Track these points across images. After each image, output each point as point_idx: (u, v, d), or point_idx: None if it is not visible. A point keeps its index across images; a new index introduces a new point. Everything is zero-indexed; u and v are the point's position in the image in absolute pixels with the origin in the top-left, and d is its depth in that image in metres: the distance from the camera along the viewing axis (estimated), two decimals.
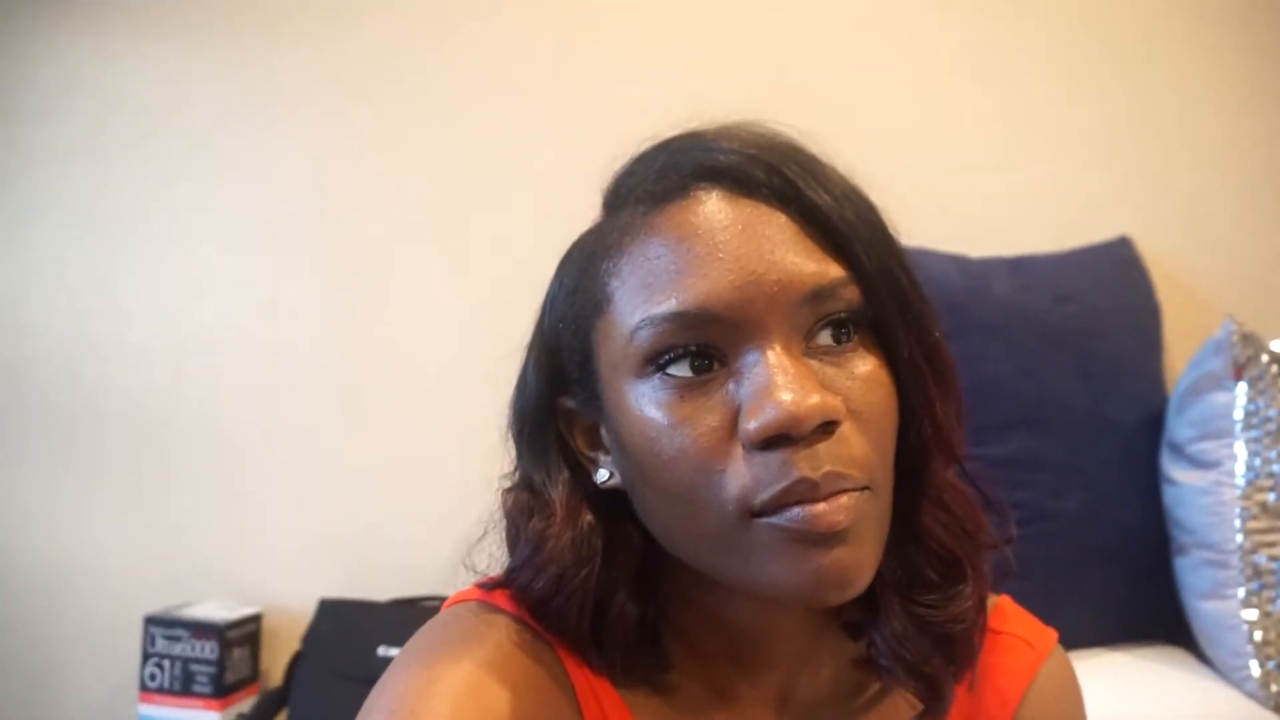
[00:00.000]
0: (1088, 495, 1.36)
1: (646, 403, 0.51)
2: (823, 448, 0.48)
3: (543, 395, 0.59)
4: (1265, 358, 1.28)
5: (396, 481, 1.70)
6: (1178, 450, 1.35)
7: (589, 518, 0.57)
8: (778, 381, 0.48)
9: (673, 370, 0.51)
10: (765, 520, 0.49)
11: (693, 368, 0.50)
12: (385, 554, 1.67)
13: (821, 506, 0.48)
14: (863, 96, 1.70)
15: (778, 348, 0.49)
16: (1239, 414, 1.28)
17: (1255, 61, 1.69)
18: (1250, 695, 1.23)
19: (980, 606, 0.58)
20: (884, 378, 0.52)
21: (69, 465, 1.75)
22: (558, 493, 0.57)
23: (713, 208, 0.51)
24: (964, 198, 1.66)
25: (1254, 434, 1.28)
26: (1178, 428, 1.35)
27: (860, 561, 0.49)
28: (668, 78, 1.68)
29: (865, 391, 0.51)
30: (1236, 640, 1.26)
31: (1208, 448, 1.30)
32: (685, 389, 0.50)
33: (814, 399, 0.47)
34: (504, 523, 0.59)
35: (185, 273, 1.77)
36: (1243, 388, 1.28)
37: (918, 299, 0.54)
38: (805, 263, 0.50)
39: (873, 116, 1.66)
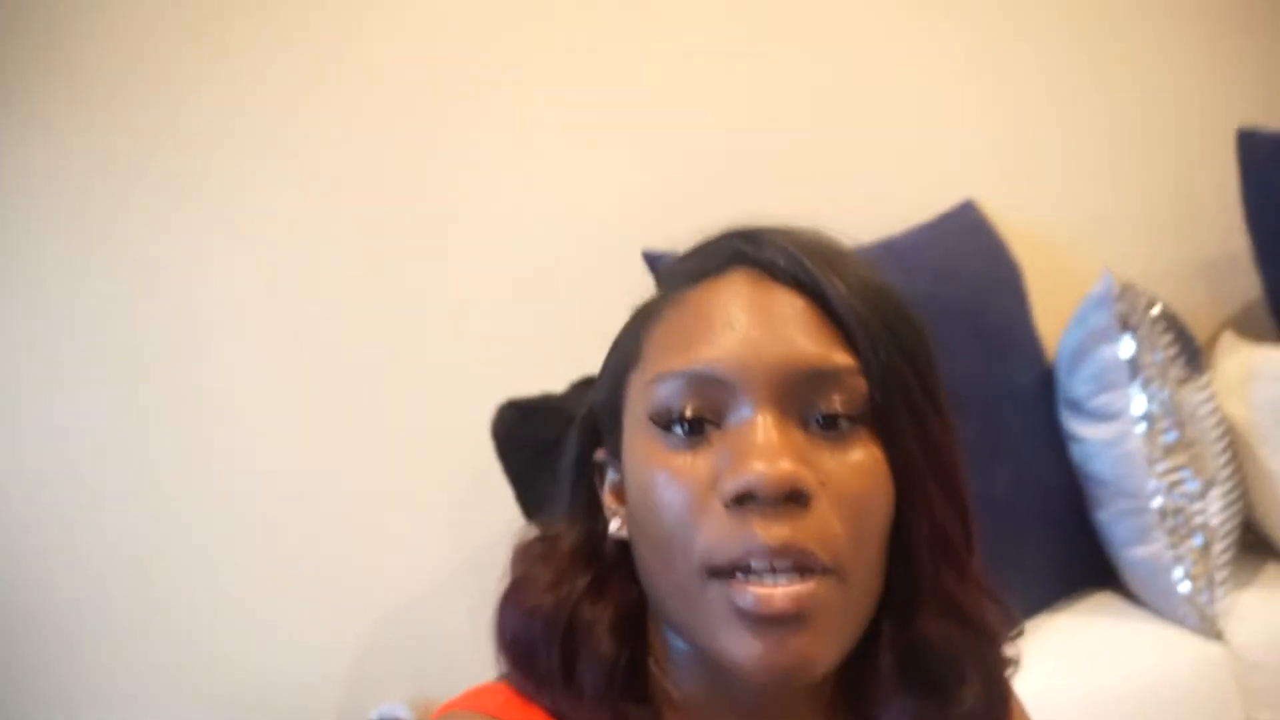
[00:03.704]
0: (1005, 468, 1.36)
1: (651, 453, 0.54)
2: (789, 519, 0.49)
3: (583, 447, 0.63)
4: (1144, 304, 1.33)
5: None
6: (1077, 407, 1.38)
7: (587, 562, 0.60)
8: (757, 443, 0.50)
9: (676, 426, 0.54)
10: (720, 586, 0.50)
11: (694, 426, 0.53)
12: None
13: (773, 590, 0.49)
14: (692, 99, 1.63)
15: (768, 416, 0.52)
16: (1130, 363, 1.32)
17: (1075, 11, 1.74)
18: (1192, 629, 1.28)
19: (991, 706, 0.58)
20: (878, 471, 0.53)
21: None
22: (568, 539, 0.61)
23: (739, 287, 0.56)
24: (803, 185, 1.64)
25: (1145, 378, 1.32)
26: (1073, 386, 1.38)
27: (814, 651, 0.50)
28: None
29: (852, 477, 0.52)
30: (1165, 580, 1.30)
31: (1107, 400, 1.33)
32: (685, 444, 0.53)
33: (785, 464, 0.49)
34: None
35: None
36: (1129, 339, 1.32)
37: (925, 402, 0.56)
38: (812, 345, 0.53)
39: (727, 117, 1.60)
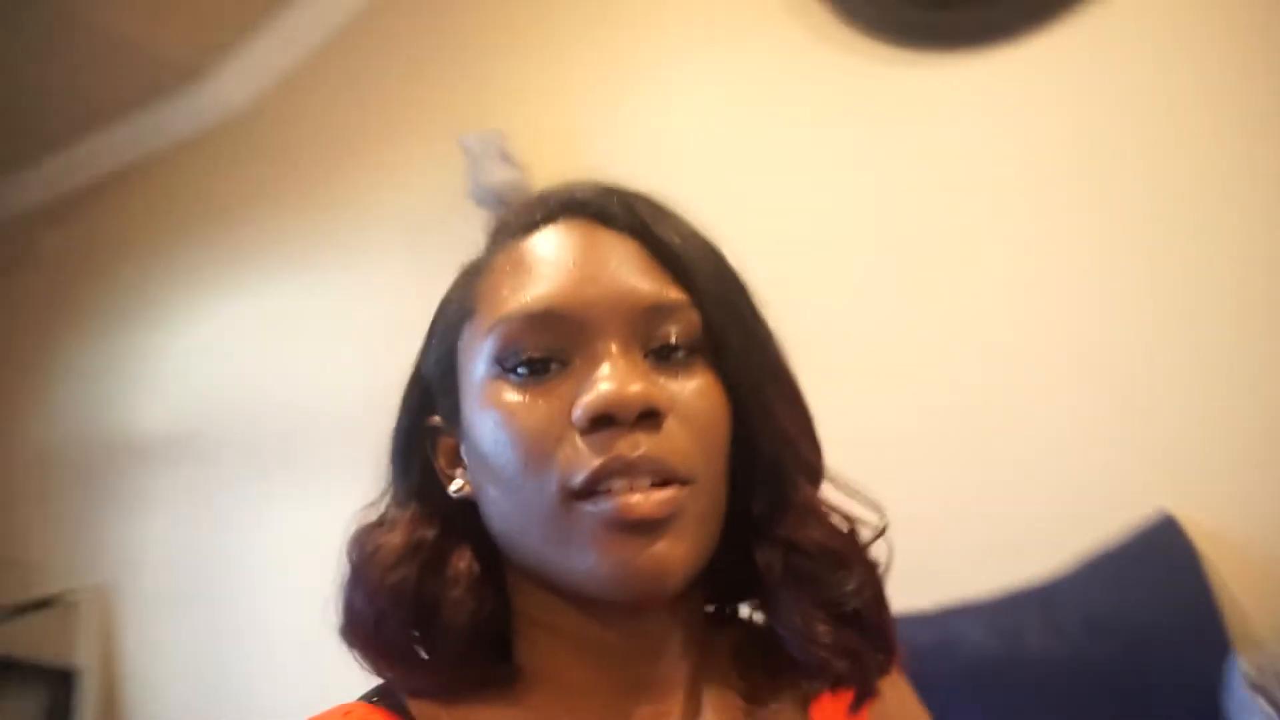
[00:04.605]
0: None
1: (494, 395, 0.56)
2: (644, 435, 0.53)
3: (414, 415, 0.64)
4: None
5: None
6: None
7: (431, 529, 0.60)
8: (607, 371, 0.54)
9: (520, 367, 0.56)
10: (584, 506, 0.53)
11: (538, 364, 0.56)
12: None
13: (637, 498, 0.52)
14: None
15: (614, 348, 0.56)
16: None
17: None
18: None
19: (877, 588, 0.63)
20: (717, 393, 0.58)
21: None
22: (407, 510, 0.61)
23: (573, 232, 0.60)
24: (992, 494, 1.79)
25: None
26: None
27: (677, 556, 0.53)
28: None
29: (695, 398, 0.57)
30: None
31: None
32: (530, 383, 0.56)
33: (637, 386, 0.53)
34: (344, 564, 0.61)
35: None
36: (1269, 710, 1.38)
37: (759, 326, 0.62)
38: (647, 283, 0.58)
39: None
